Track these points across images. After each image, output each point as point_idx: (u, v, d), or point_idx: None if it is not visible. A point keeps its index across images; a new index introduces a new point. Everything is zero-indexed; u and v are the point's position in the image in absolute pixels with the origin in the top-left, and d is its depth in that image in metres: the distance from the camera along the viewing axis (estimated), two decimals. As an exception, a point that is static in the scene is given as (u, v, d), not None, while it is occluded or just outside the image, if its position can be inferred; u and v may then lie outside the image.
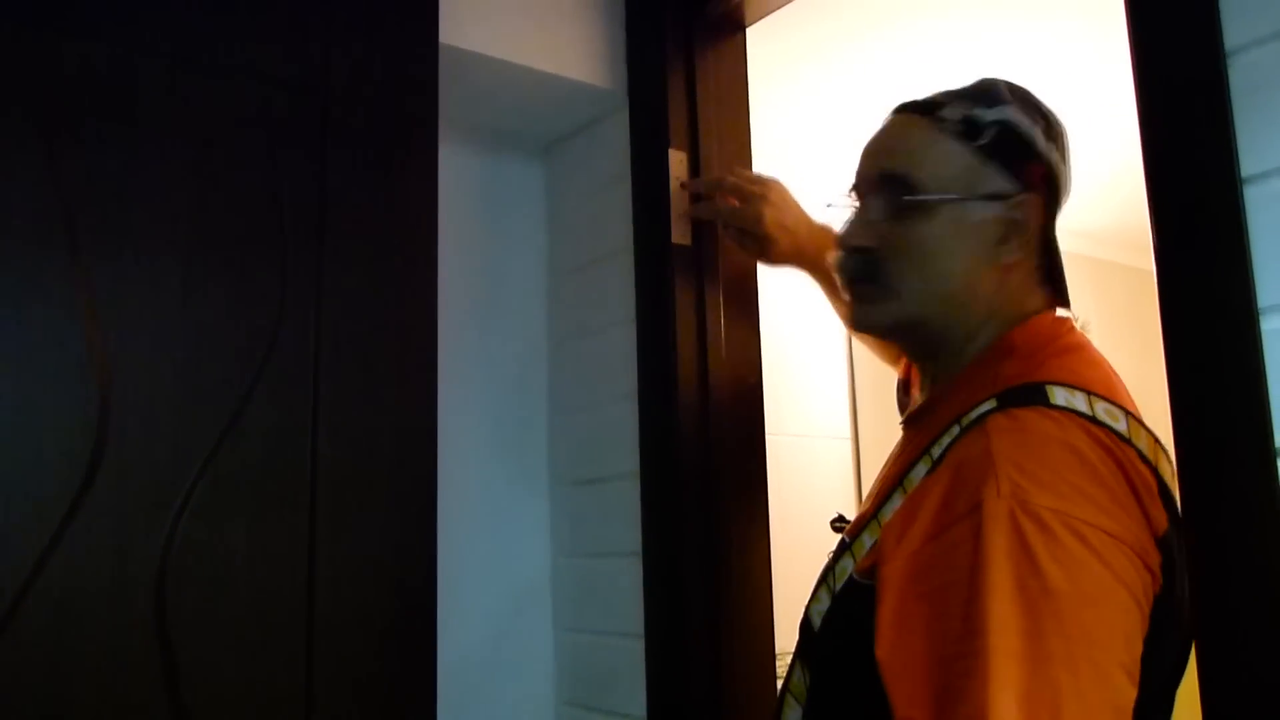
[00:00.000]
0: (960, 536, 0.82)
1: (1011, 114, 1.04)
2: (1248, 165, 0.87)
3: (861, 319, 1.09)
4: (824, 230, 1.43)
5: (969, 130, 1.03)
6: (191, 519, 1.06)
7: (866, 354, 2.26)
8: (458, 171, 1.71)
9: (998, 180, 1.02)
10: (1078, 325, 1.05)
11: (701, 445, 1.47)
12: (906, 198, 1.03)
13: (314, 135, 1.20)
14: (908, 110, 1.08)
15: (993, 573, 0.78)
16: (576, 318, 1.73)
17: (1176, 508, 0.89)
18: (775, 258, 1.45)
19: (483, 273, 1.75)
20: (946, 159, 1.03)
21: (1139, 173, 0.95)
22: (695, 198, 1.50)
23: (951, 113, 1.03)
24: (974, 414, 0.93)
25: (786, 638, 1.49)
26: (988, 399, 0.93)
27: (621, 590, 1.54)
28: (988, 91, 1.05)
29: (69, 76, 1.05)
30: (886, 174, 1.05)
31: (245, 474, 1.10)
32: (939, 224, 1.02)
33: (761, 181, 1.44)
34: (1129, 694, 0.78)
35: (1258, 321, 0.85)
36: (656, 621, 1.47)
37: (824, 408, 2.47)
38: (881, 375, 1.57)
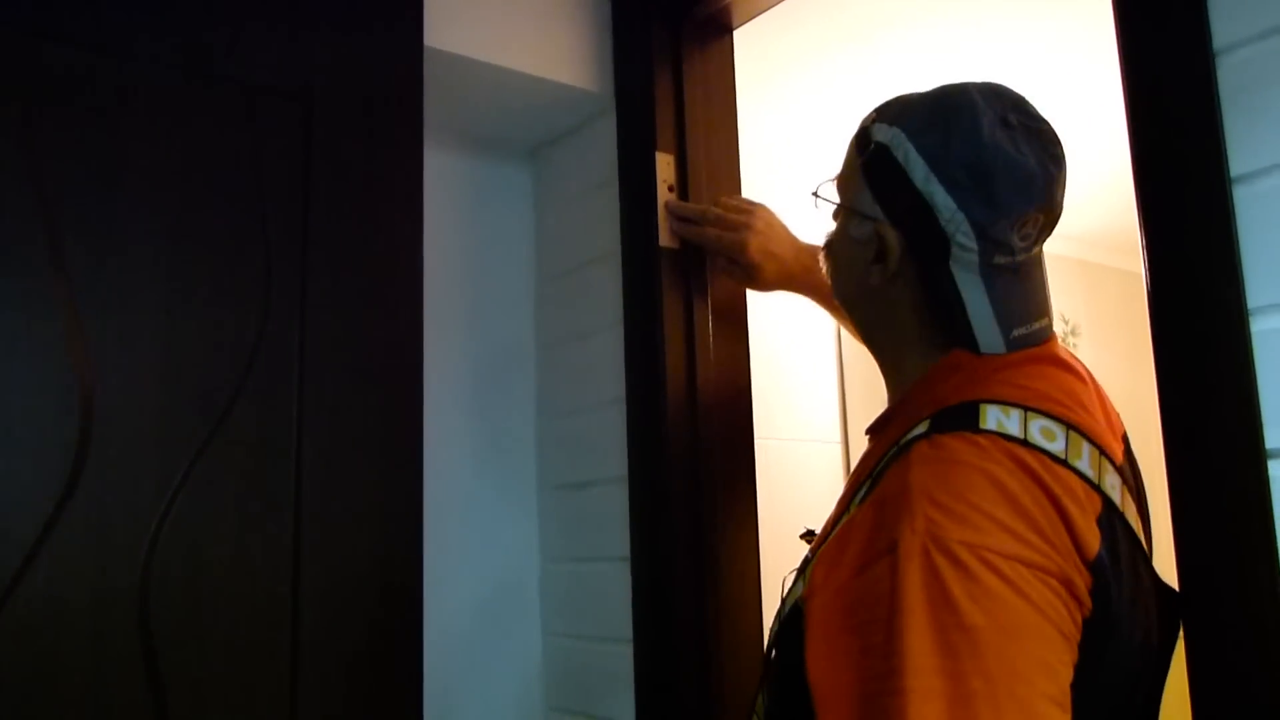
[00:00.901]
0: (880, 573, 0.81)
1: (895, 137, 0.99)
2: (1237, 165, 0.87)
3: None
4: (811, 251, 1.43)
5: (860, 144, 1.04)
6: (174, 527, 1.05)
7: (857, 357, 2.26)
8: (443, 175, 1.70)
9: (867, 201, 1.02)
10: (1061, 334, 1.04)
11: (690, 449, 1.46)
12: (812, 193, 1.10)
13: (297, 139, 1.20)
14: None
15: (909, 611, 0.77)
16: (564, 322, 1.73)
17: (1122, 527, 0.88)
18: (763, 284, 1.47)
19: (469, 277, 1.74)
20: (848, 169, 1.06)
21: (1129, 176, 0.95)
22: (682, 219, 1.50)
23: (859, 134, 1.05)
24: (908, 437, 0.92)
25: (776, 643, 1.48)
26: (924, 420, 0.92)
27: (610, 595, 1.54)
28: (908, 106, 1.02)
29: (51, 80, 1.04)
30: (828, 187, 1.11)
31: (229, 481, 1.09)
32: (839, 228, 1.09)
33: (747, 210, 1.45)
34: None
35: (1247, 322, 0.85)
36: (645, 627, 1.46)
37: (814, 411, 2.46)
38: (872, 378, 1.56)
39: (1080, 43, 2.09)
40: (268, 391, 1.13)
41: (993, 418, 0.89)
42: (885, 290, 1.02)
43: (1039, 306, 1.01)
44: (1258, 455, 0.83)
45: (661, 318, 1.47)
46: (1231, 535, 0.84)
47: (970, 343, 0.98)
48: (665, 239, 1.50)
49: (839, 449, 2.51)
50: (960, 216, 0.94)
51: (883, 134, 1.00)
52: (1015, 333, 0.97)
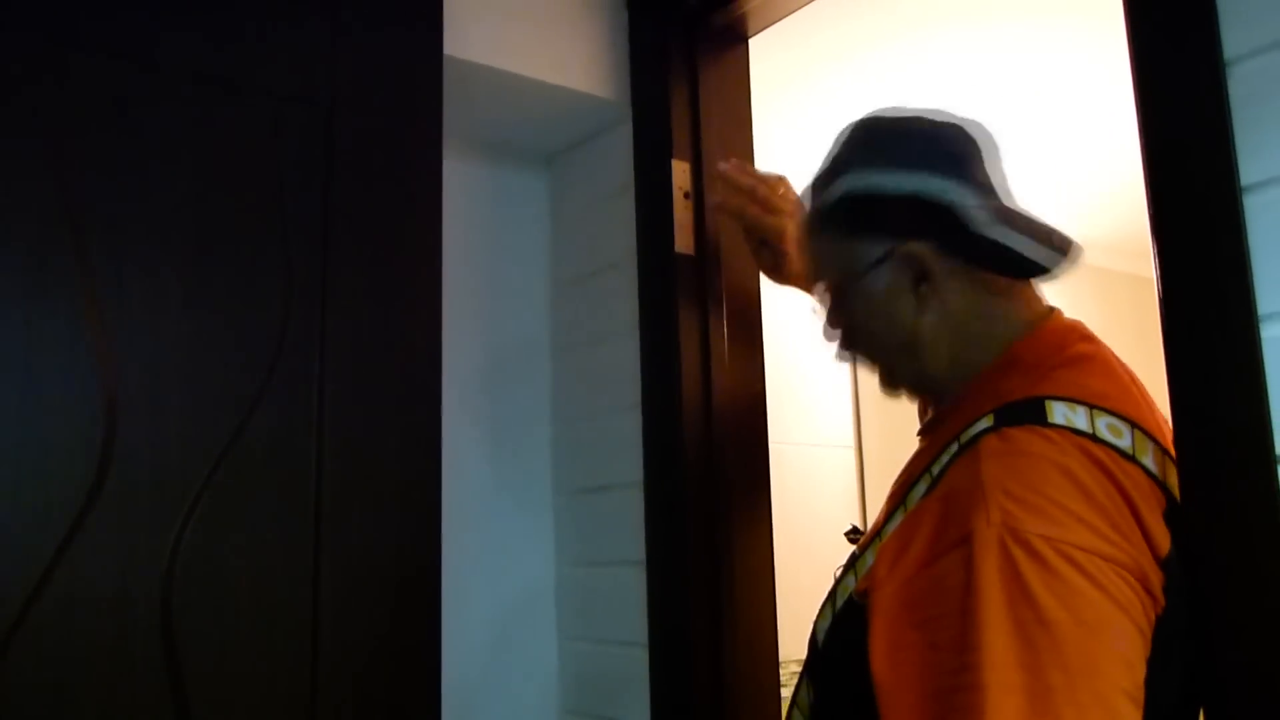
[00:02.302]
0: (952, 566, 0.81)
1: (845, 182, 1.04)
2: (1247, 174, 0.88)
3: (886, 392, 1.15)
4: None
5: (821, 220, 1.07)
6: (197, 532, 1.06)
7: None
8: (462, 182, 1.72)
9: (867, 247, 1.03)
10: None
11: (705, 454, 1.47)
12: (813, 309, 1.12)
13: (317, 147, 1.21)
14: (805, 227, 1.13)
15: (986, 604, 0.77)
16: (580, 327, 1.74)
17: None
18: (785, 275, 1.46)
19: (487, 283, 1.76)
20: (827, 251, 1.09)
21: (1141, 180, 0.96)
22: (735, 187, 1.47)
23: (813, 217, 1.09)
24: (971, 432, 0.92)
25: (790, 647, 1.49)
26: (986, 416, 0.92)
27: (625, 599, 1.55)
28: (827, 172, 1.08)
29: (77, 89, 1.06)
30: (818, 288, 1.12)
31: (250, 483, 1.11)
32: (858, 305, 1.07)
33: (792, 200, 1.44)
34: (1134, 718, 0.76)
35: (1258, 329, 0.85)
36: (660, 631, 1.47)
37: (827, 416, 2.47)
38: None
39: (1091, 48, 2.09)
40: (289, 397, 1.15)
41: (1060, 413, 0.89)
42: (939, 306, 1.02)
43: (1048, 231, 1.04)
44: (1270, 460, 0.83)
45: (677, 323, 1.48)
46: (1243, 541, 0.84)
47: (1036, 269, 1.01)
48: (681, 245, 1.51)
49: (853, 454, 2.52)
50: (945, 184, 0.99)
51: (833, 192, 1.04)
52: (1055, 242, 1.01)
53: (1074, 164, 2.76)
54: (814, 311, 1.14)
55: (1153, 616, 0.82)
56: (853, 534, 1.12)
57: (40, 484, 0.99)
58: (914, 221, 1.00)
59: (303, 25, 1.22)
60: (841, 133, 1.10)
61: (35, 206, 1.02)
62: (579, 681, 1.67)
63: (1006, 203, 1.02)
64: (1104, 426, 0.89)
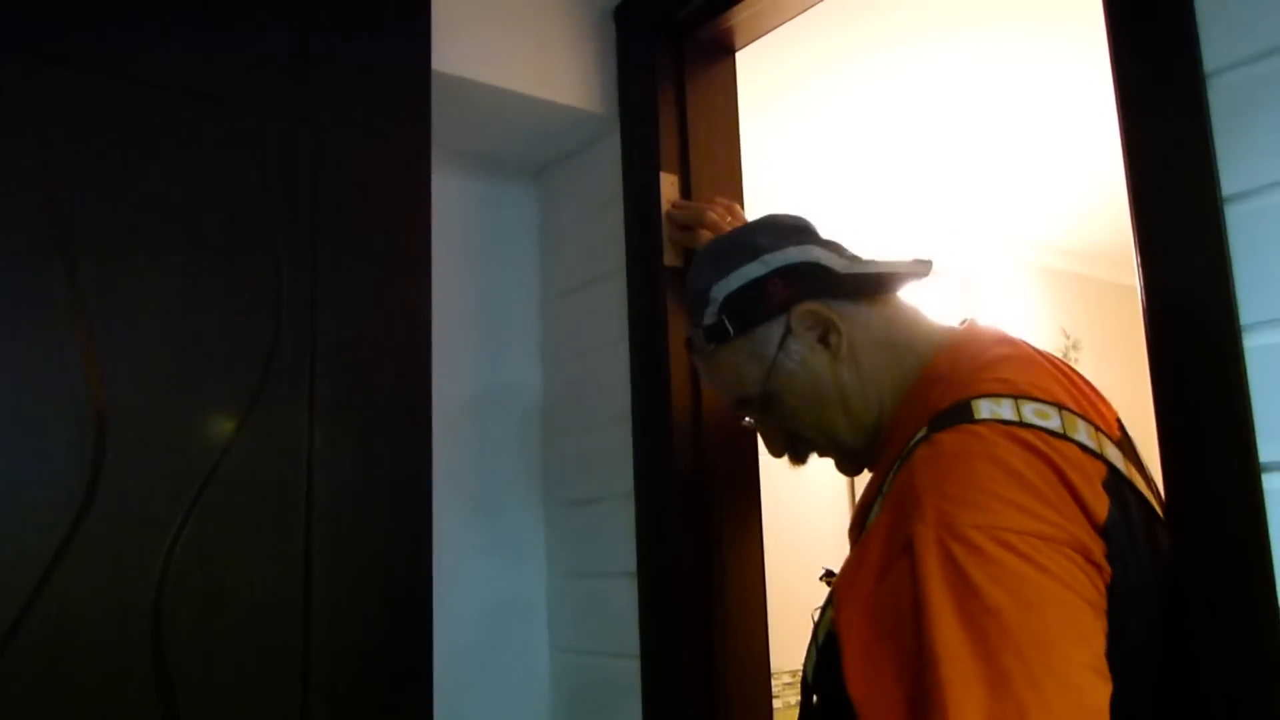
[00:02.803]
0: (900, 573, 0.82)
1: (710, 288, 1.13)
2: (1228, 185, 0.89)
3: (848, 472, 1.20)
4: None
5: (717, 338, 1.13)
6: (189, 542, 1.06)
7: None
8: (451, 196, 1.72)
9: (767, 331, 1.10)
10: (1062, 349, 1.06)
11: (695, 465, 1.48)
12: (740, 401, 1.16)
13: (306, 161, 1.22)
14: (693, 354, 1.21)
15: (933, 602, 0.78)
16: (570, 340, 1.74)
17: (1130, 492, 0.90)
18: None
19: (476, 296, 1.76)
20: (726, 361, 1.14)
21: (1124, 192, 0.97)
22: (683, 226, 1.51)
23: (703, 342, 1.14)
24: (909, 445, 0.95)
25: (782, 658, 1.49)
26: (922, 429, 0.95)
27: (617, 611, 1.55)
28: (694, 303, 1.16)
29: (64, 103, 1.06)
30: (731, 401, 1.18)
31: (241, 498, 1.11)
32: (783, 389, 1.11)
33: (735, 213, 1.48)
34: (1101, 691, 0.77)
35: (1240, 338, 0.86)
36: (652, 642, 1.47)
37: (817, 427, 2.47)
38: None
39: (1076, 60, 2.11)
40: (279, 408, 1.15)
41: (985, 408, 0.91)
42: (850, 350, 1.08)
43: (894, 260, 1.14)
44: (1251, 468, 0.84)
45: (666, 335, 1.49)
46: (1226, 547, 0.85)
47: (909, 279, 1.12)
48: (670, 258, 1.51)
49: (843, 464, 2.52)
50: (801, 249, 1.10)
51: (710, 308, 1.12)
52: (909, 262, 1.12)
53: (1057, 173, 2.78)
54: (746, 424, 1.20)
55: (1102, 586, 0.83)
56: (827, 577, 1.13)
57: (30, 499, 0.99)
58: (790, 289, 1.08)
59: (291, 40, 1.23)
60: (689, 274, 1.20)
61: (23, 222, 1.02)
62: (571, 693, 1.67)
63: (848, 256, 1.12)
64: (1030, 412, 0.91)
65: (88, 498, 1.02)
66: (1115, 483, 0.89)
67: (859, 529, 1.01)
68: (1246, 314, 0.86)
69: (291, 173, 1.20)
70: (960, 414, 0.92)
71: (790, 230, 1.14)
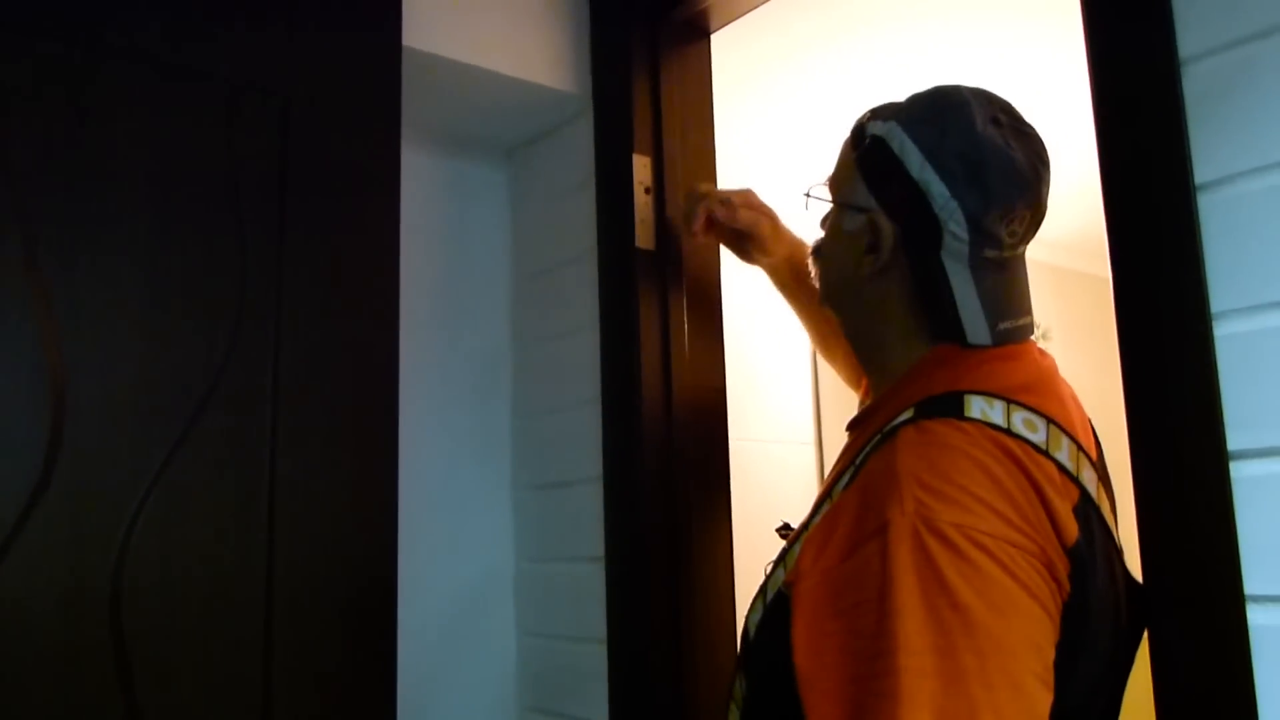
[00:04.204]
0: (869, 555, 0.82)
1: (891, 129, 1.01)
2: (1201, 173, 0.89)
3: (822, 303, 1.18)
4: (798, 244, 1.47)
5: (855, 140, 1.07)
6: (147, 525, 1.05)
7: (830, 359, 2.25)
8: (420, 174, 1.70)
9: (862, 193, 1.04)
10: (1036, 334, 1.06)
11: (664, 450, 1.47)
12: (805, 193, 1.12)
13: (274, 137, 1.19)
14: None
15: (901, 592, 0.78)
16: (540, 322, 1.73)
17: (1097, 519, 0.90)
18: (757, 259, 1.48)
19: (446, 277, 1.74)
20: (841, 166, 1.09)
21: (1098, 180, 0.96)
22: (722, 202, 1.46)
23: (857, 127, 1.07)
24: (892, 424, 0.94)
25: (749, 642, 1.49)
26: (908, 409, 0.94)
27: (584, 595, 1.54)
28: (903, 103, 1.05)
29: (22, 74, 1.04)
30: (827, 182, 1.13)
31: (203, 479, 1.09)
32: (830, 226, 1.12)
33: (761, 204, 1.46)
34: (1045, 701, 0.78)
35: (1211, 327, 0.86)
36: (619, 626, 1.47)
37: (788, 413, 2.48)
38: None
39: (1053, 47, 2.11)
40: (242, 389, 1.13)
41: (977, 407, 0.91)
42: (875, 283, 1.04)
43: (1023, 304, 1.03)
44: (1220, 457, 0.84)
45: (637, 318, 1.48)
46: (1195, 535, 0.85)
47: (958, 334, 0.99)
48: (642, 240, 1.50)
49: (813, 450, 2.53)
50: (954, 205, 0.96)
51: (878, 128, 1.03)
52: (1001, 326, 0.99)
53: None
54: (808, 195, 1.13)
55: (1060, 602, 0.84)
56: (784, 530, 1.13)
57: (-15, 477, 0.97)
58: (902, 204, 1.01)
59: (258, 13, 1.21)
60: (945, 87, 1.04)
61: (-20, 194, 1.00)
62: (538, 677, 1.66)
63: (1009, 254, 1.00)
64: (1020, 421, 0.90)
65: (43, 479, 1.00)
66: (1084, 508, 0.89)
67: (827, 495, 1.00)
68: (1217, 302, 0.87)
69: (259, 148, 1.18)
70: (950, 406, 0.91)
71: (982, 186, 0.96)
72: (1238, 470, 0.84)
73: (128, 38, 1.11)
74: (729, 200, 1.42)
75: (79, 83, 1.07)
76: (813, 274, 1.18)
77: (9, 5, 1.04)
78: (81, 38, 1.08)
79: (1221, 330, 0.86)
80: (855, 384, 1.45)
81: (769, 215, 1.44)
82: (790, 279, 1.48)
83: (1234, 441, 0.84)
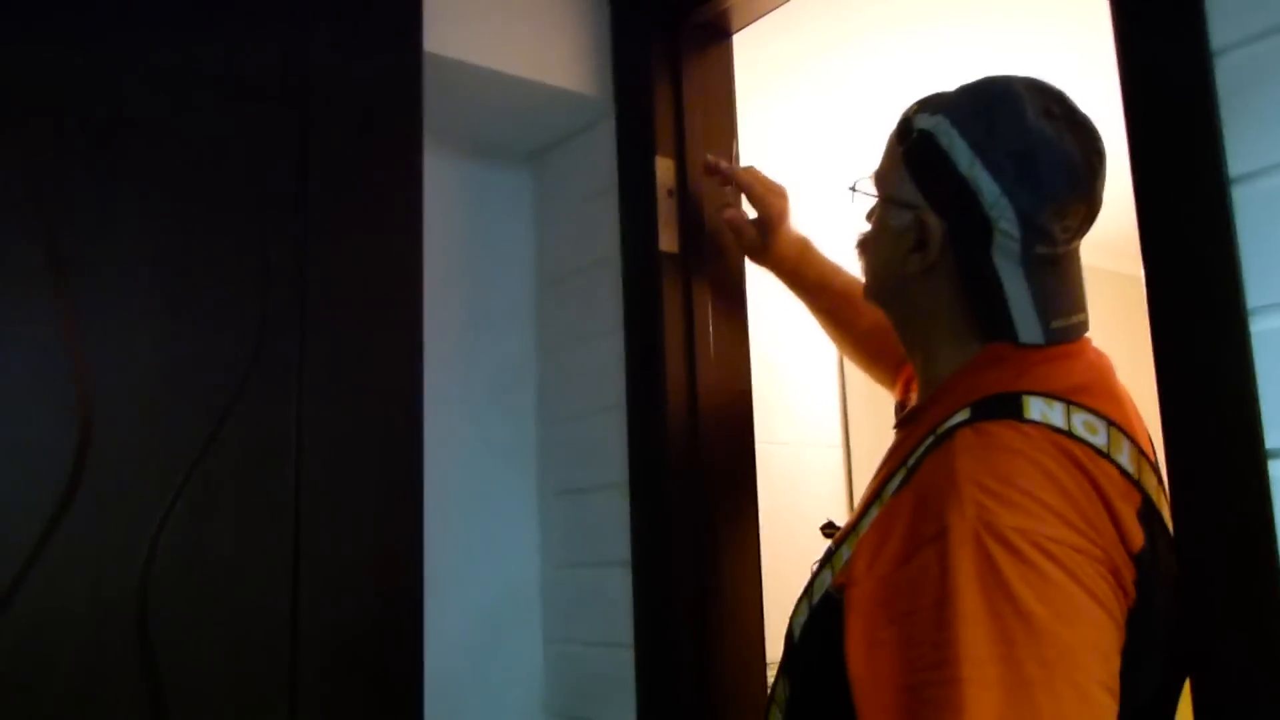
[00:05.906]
0: (927, 561, 0.80)
1: (938, 124, 0.99)
2: (1235, 165, 0.87)
3: (866, 298, 1.16)
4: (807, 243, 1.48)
5: (901, 134, 1.04)
6: (173, 532, 1.05)
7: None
8: (443, 180, 1.70)
9: (909, 189, 1.02)
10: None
11: (691, 454, 1.46)
12: (850, 187, 1.10)
13: (295, 145, 1.20)
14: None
15: (962, 598, 0.76)
16: (564, 327, 1.73)
17: (1159, 524, 0.88)
18: (768, 257, 1.49)
19: (469, 282, 1.74)
20: (887, 160, 1.07)
21: (1123, 179, 0.95)
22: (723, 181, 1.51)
23: (904, 121, 1.05)
24: (947, 425, 0.92)
25: (777, 647, 1.47)
26: (963, 409, 0.92)
27: (611, 601, 1.53)
28: (951, 96, 1.02)
29: (46, 87, 1.04)
30: (873, 176, 1.11)
31: (228, 486, 1.09)
32: (876, 221, 1.09)
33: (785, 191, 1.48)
34: (1111, 711, 0.76)
35: (1247, 322, 0.85)
36: (646, 632, 1.46)
37: (814, 415, 2.46)
38: (873, 382, 1.56)
39: (1077, 44, 2.09)
40: (267, 396, 1.13)
41: (1036, 409, 0.89)
42: (923, 281, 1.02)
43: (1077, 300, 1.00)
44: (1258, 455, 0.83)
45: (662, 322, 1.47)
46: (1232, 535, 0.84)
47: (1009, 333, 0.97)
48: (666, 243, 1.50)
49: (840, 453, 2.51)
50: (1004, 202, 0.94)
51: (926, 122, 1.00)
52: (1054, 324, 0.97)
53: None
54: (853, 190, 1.12)
55: (1125, 609, 0.82)
56: (828, 529, 1.11)
57: (14, 488, 0.98)
58: (950, 202, 0.98)
59: (280, 21, 1.21)
60: (994, 78, 1.01)
61: (7, 210, 1.01)
62: (564, 684, 1.65)
63: (1062, 249, 0.97)
64: (1080, 423, 0.88)
65: (71, 486, 1.00)
66: (1148, 513, 0.87)
67: (875, 494, 0.98)
68: (1253, 297, 0.85)
69: (280, 156, 1.18)
70: (1009, 407, 0.89)
71: (1033, 182, 0.94)
72: (1275, 468, 0.82)
73: (148, 47, 1.11)
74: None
75: (100, 93, 1.08)
76: (860, 267, 1.14)
77: (31, 17, 1.04)
78: (101, 48, 1.08)
79: (1257, 326, 0.84)
80: (882, 378, 1.44)
81: (781, 194, 1.45)
82: (801, 273, 1.49)
83: (1272, 439, 0.82)
